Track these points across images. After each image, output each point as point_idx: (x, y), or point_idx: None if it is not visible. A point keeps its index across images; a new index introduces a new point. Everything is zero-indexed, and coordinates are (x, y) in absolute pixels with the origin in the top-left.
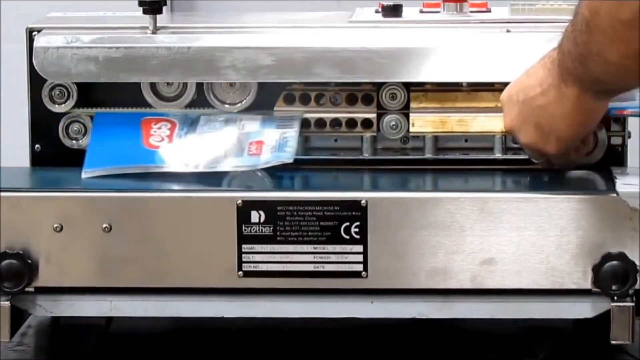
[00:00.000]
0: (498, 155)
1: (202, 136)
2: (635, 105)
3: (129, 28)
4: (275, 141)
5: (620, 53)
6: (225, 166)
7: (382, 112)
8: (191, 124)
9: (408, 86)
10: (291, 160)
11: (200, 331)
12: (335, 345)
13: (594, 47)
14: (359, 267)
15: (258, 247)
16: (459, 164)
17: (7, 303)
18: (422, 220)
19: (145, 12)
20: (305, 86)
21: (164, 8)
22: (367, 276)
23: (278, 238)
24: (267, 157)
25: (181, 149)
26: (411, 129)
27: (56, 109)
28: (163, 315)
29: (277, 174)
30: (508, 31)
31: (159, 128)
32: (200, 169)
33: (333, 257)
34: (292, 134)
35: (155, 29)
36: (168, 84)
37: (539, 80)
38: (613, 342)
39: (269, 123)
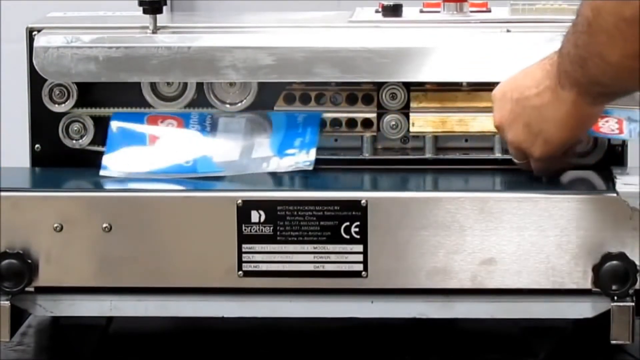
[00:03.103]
0: (498, 155)
1: None
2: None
3: (129, 28)
4: None
5: (621, 52)
6: None
7: (382, 111)
8: None
9: (408, 86)
10: None
11: (200, 331)
12: (335, 345)
13: (594, 47)
14: (359, 267)
15: (258, 247)
16: (459, 164)
17: (7, 303)
18: (422, 220)
19: (145, 12)
20: (306, 86)
21: (164, 8)
22: (367, 276)
23: (278, 238)
24: None
25: None
26: (411, 129)
27: (56, 109)
28: (163, 315)
29: (277, 174)
30: (508, 31)
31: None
32: None
33: (333, 257)
34: None
35: (155, 29)
36: (168, 83)
37: (536, 81)
38: (613, 342)
39: None
